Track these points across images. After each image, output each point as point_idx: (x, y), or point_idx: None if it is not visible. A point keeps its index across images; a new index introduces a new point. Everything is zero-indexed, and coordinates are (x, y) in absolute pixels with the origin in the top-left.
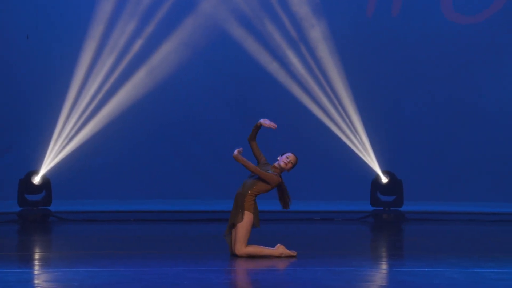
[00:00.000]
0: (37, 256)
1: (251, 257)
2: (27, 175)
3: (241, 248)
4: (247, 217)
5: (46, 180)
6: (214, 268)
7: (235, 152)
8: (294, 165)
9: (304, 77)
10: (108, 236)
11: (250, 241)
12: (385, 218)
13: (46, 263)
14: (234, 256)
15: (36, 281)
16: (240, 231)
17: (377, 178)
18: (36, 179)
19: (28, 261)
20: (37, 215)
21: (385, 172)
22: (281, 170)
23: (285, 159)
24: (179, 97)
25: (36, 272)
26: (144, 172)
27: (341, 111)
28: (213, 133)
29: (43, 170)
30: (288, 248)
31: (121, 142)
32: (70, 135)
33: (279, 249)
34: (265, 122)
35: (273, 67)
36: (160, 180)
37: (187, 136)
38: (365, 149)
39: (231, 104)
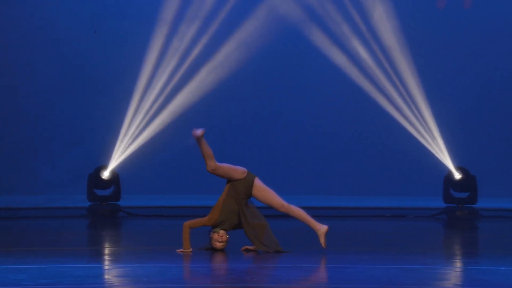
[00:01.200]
0: (106, 251)
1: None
2: (96, 170)
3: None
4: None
5: (115, 175)
6: (285, 265)
7: (199, 132)
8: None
9: (374, 71)
10: (177, 232)
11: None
12: (458, 215)
13: (115, 258)
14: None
15: (106, 276)
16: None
17: (450, 174)
18: (105, 174)
19: (97, 256)
20: (106, 210)
21: (459, 168)
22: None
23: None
24: (246, 93)
25: (106, 267)
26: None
27: (413, 106)
28: (281, 128)
29: (112, 165)
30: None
31: (187, 137)
32: (138, 130)
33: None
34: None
35: (342, 61)
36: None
37: (251, 131)
38: (437, 145)
39: (297, 98)
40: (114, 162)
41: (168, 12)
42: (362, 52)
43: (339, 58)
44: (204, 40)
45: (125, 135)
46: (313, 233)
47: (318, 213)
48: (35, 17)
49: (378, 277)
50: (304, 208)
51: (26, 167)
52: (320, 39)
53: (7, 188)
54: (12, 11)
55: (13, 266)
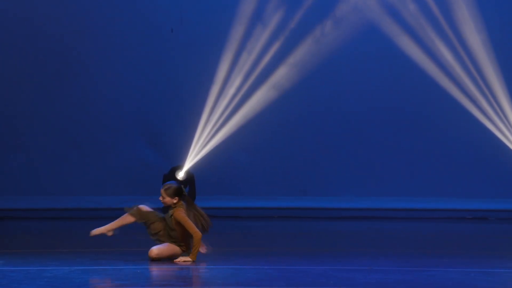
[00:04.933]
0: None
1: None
2: (172, 170)
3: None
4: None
5: (190, 175)
6: (360, 267)
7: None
8: (166, 195)
9: (456, 71)
10: (252, 233)
11: None
12: None
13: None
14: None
15: (181, 278)
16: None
17: None
18: (180, 175)
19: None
20: None
21: None
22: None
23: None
24: (324, 92)
25: (181, 268)
26: (285, 168)
27: (495, 106)
28: (354, 128)
29: (187, 165)
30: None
31: (262, 138)
32: (214, 130)
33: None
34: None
35: (422, 60)
36: (302, 177)
37: (331, 133)
38: None
39: (377, 98)
40: (190, 162)
41: (245, 12)
42: (447, 55)
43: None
44: (281, 38)
45: (200, 135)
46: (387, 235)
47: (395, 215)
48: (116, 16)
49: (457, 280)
50: (387, 210)
51: (102, 167)
52: (405, 43)
53: (83, 188)
54: (95, 12)
55: (89, 267)
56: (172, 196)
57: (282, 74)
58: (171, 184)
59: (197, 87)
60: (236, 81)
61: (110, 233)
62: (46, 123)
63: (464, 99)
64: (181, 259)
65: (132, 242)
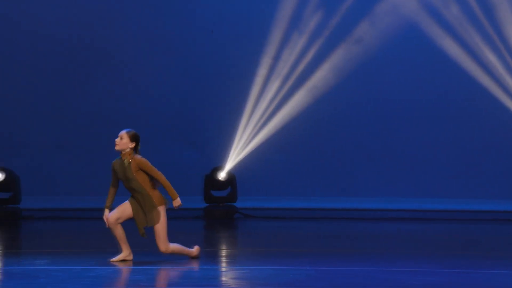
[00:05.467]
0: (223, 253)
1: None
2: (213, 171)
3: (166, 246)
4: (163, 213)
5: (231, 176)
6: (406, 269)
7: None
8: (126, 135)
9: (498, 69)
10: (293, 234)
11: None
12: None
13: (232, 260)
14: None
15: (223, 279)
16: (161, 229)
17: None
18: (222, 175)
19: (214, 258)
20: (222, 212)
21: None
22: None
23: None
24: (360, 94)
25: (222, 269)
26: (324, 169)
27: None
28: (391, 128)
29: (228, 166)
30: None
31: (301, 139)
32: (254, 131)
33: (196, 251)
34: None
35: (461, 60)
36: (340, 178)
37: (368, 133)
38: None
39: (413, 99)
40: (231, 163)
41: (285, 12)
42: (491, 57)
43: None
44: (320, 40)
45: (241, 136)
46: (430, 237)
47: (436, 216)
48: (158, 17)
49: (502, 282)
50: (432, 211)
51: None
52: (448, 45)
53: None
54: (138, 13)
55: (133, 267)
56: (132, 139)
57: (319, 77)
58: (132, 130)
59: (237, 89)
60: (275, 83)
61: (130, 257)
62: (88, 123)
63: (506, 98)
64: (176, 204)
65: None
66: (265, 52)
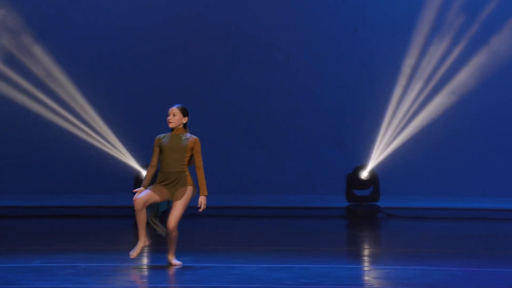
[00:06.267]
0: (366, 252)
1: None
2: (355, 170)
3: (175, 225)
4: (188, 195)
5: (374, 175)
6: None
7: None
8: (179, 111)
9: None
10: (437, 234)
11: None
12: None
13: (375, 260)
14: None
15: (365, 278)
16: (180, 207)
17: None
18: (364, 174)
19: (357, 257)
20: (365, 211)
21: None
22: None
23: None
24: (502, 96)
25: (365, 268)
26: (467, 168)
27: None
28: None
29: (371, 165)
30: None
31: (444, 138)
32: (397, 130)
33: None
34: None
35: None
36: (485, 177)
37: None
38: None
39: None
40: (373, 162)
41: (428, 14)
42: None
43: None
44: (464, 41)
45: (384, 135)
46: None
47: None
48: (305, 16)
49: None
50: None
51: (286, 167)
52: None
53: (268, 187)
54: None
55: (275, 265)
56: (184, 114)
57: (461, 80)
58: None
59: (380, 88)
60: (418, 83)
61: (146, 243)
62: (233, 123)
63: None
64: (201, 204)
65: (321, 242)
66: (408, 52)
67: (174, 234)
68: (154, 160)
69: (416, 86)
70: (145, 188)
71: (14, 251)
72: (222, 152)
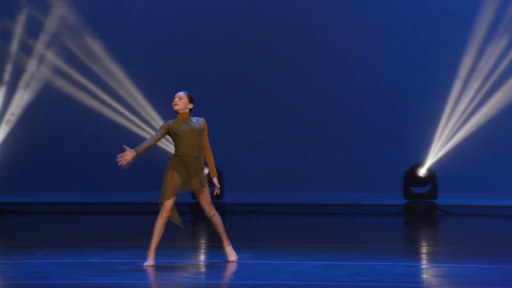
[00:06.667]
0: (424, 250)
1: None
2: (413, 167)
3: (212, 208)
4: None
5: (431, 172)
6: None
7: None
8: (185, 96)
9: None
10: (496, 232)
11: None
12: None
13: (433, 258)
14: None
15: (424, 276)
16: (208, 192)
17: None
18: (422, 172)
19: (415, 255)
20: (422, 208)
21: None
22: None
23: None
24: None
25: (423, 266)
26: None
27: None
28: None
29: (429, 162)
30: None
31: (503, 136)
32: (456, 127)
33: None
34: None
35: None
36: None
37: None
38: None
39: None
40: (431, 159)
41: (487, 11)
42: None
43: None
44: None
45: (442, 132)
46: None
47: None
48: (365, 12)
49: None
50: None
51: (344, 163)
52: None
53: (323, 184)
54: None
55: (332, 263)
56: (190, 100)
57: None
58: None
59: (438, 85)
60: (477, 81)
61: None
62: (290, 119)
63: None
64: (217, 185)
65: (378, 240)
66: (466, 50)
67: (216, 218)
68: (158, 138)
69: (475, 83)
70: (137, 152)
71: (74, 247)
72: (277, 148)
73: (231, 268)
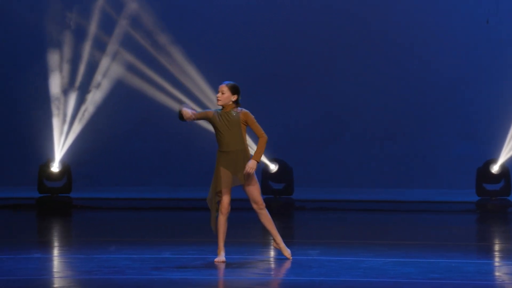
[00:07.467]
0: (496, 247)
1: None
2: (486, 164)
3: (262, 199)
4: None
5: (505, 169)
6: None
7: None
8: (227, 88)
9: None
10: None
11: None
12: None
13: (506, 255)
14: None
15: (496, 273)
16: (256, 183)
17: None
18: (495, 168)
19: (487, 252)
20: (496, 205)
21: None
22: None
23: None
24: None
25: (496, 264)
26: None
27: None
28: None
29: (502, 159)
30: None
31: None
32: None
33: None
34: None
35: None
36: None
37: None
38: None
39: None
40: (505, 156)
41: None
42: None
43: None
44: None
45: None
46: None
47: None
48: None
49: None
50: None
51: (414, 158)
52: None
53: (384, 181)
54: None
55: (403, 260)
56: (233, 92)
57: None
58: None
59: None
60: None
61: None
62: (362, 116)
63: None
64: (248, 167)
65: (450, 237)
66: None
67: (264, 211)
68: (205, 113)
69: None
70: (196, 116)
71: (144, 242)
72: (348, 146)
73: (301, 264)
